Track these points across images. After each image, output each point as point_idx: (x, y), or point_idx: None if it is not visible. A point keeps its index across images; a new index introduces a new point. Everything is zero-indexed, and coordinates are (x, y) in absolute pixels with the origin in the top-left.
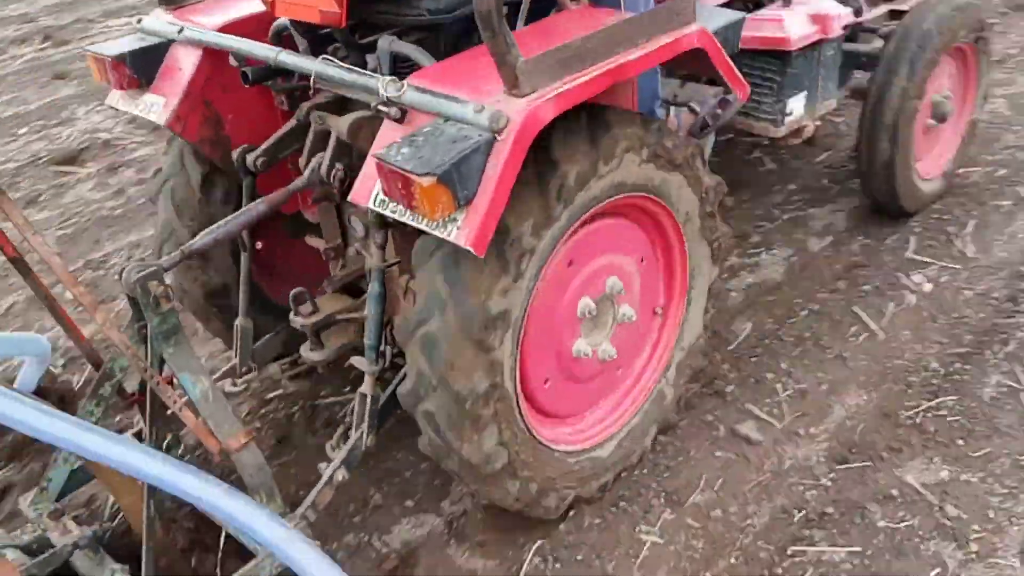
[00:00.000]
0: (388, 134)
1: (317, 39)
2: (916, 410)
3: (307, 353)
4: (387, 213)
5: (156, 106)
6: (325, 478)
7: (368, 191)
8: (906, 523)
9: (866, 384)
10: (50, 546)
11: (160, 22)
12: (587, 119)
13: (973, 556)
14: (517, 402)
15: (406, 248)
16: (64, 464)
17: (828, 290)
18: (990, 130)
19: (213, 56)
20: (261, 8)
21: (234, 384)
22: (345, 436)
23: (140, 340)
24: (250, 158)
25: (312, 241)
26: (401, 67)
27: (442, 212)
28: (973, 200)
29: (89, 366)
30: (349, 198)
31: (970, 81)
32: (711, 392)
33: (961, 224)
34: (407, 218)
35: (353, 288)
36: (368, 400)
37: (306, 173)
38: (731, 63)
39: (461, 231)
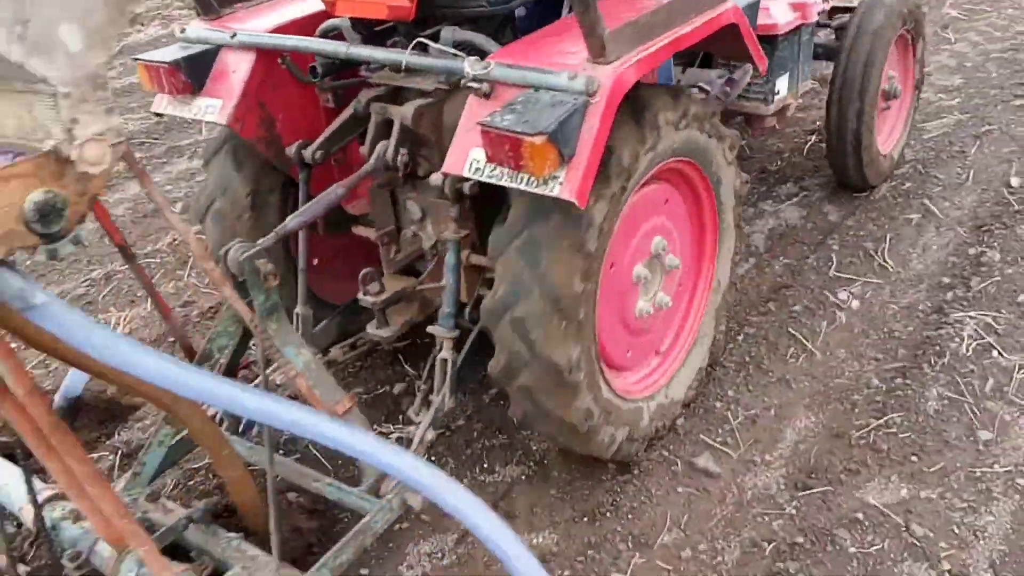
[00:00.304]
0: (475, 110)
1: (373, 35)
2: (866, 429)
3: (374, 331)
4: (483, 179)
5: (212, 108)
6: (417, 439)
7: (461, 161)
8: (876, 547)
9: (812, 406)
10: (156, 526)
11: (205, 30)
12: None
13: (946, 575)
14: (597, 354)
15: (469, 222)
16: (159, 447)
17: (759, 313)
18: None
19: (265, 58)
20: (302, 13)
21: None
22: (426, 401)
23: (238, 320)
24: (307, 152)
25: (360, 231)
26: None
27: (549, 169)
28: (884, 215)
29: None
30: (442, 169)
31: (909, 65)
32: None
33: (877, 239)
34: (506, 180)
35: (409, 269)
36: (448, 364)
37: (372, 160)
38: (755, 38)
39: (564, 186)
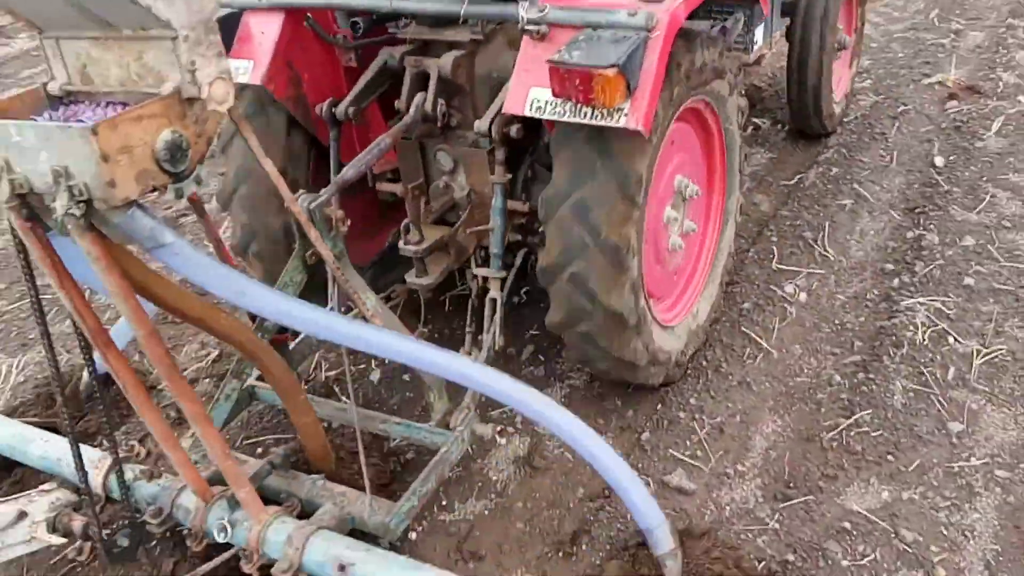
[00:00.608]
0: (531, 52)
1: None
2: (836, 430)
3: (413, 279)
4: (544, 117)
5: (244, 70)
6: None
7: (521, 101)
8: (869, 558)
9: (777, 408)
10: None
11: None
12: None
13: None
14: (645, 291)
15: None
16: (225, 401)
17: None
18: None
19: (291, 18)
20: None
21: None
22: (476, 342)
23: (305, 269)
24: (339, 109)
25: (385, 187)
26: None
27: (619, 100)
28: (817, 203)
29: None
30: (503, 110)
31: (852, 18)
32: (631, 443)
33: (814, 228)
34: (568, 116)
35: (439, 219)
36: (498, 304)
37: (411, 111)
38: None
39: (630, 116)
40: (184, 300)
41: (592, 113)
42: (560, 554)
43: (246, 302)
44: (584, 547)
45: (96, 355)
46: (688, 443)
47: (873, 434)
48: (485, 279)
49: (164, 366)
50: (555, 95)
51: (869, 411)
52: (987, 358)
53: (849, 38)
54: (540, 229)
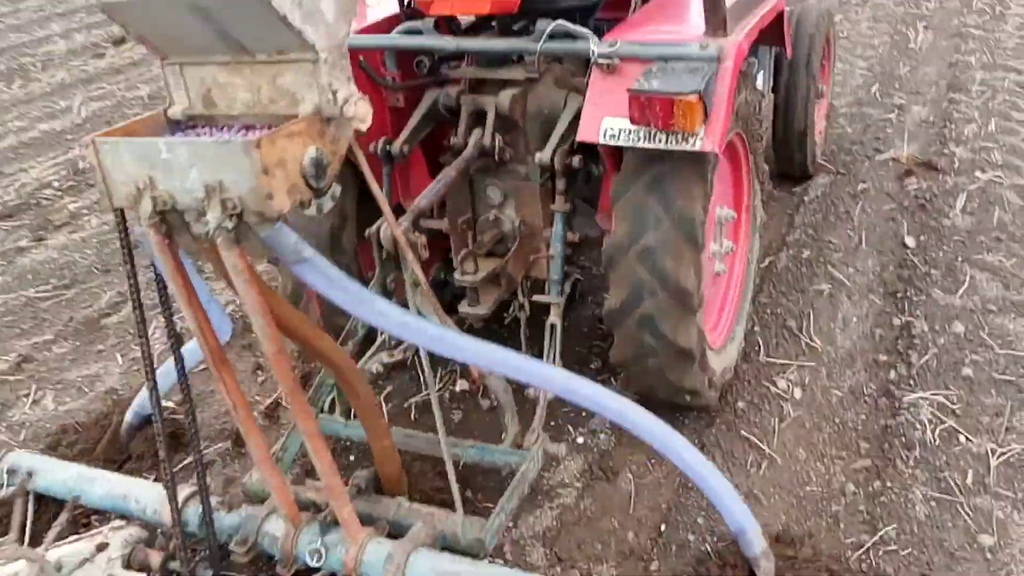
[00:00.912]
0: (600, 84)
1: (458, 33)
2: (862, 549)
3: (467, 309)
4: (618, 144)
5: None
6: (542, 400)
7: (595, 130)
8: None
9: (792, 525)
10: (307, 505)
11: None
12: None
13: None
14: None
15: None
16: (299, 433)
17: (705, 415)
18: (782, 211)
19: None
20: (372, 19)
21: (391, 355)
22: None
23: (385, 295)
24: (394, 147)
25: (431, 223)
26: None
27: (698, 125)
28: (793, 288)
29: None
30: (577, 138)
31: (827, 66)
32: (636, 574)
33: (796, 316)
34: (642, 143)
35: (488, 252)
36: (557, 330)
37: (470, 146)
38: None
39: (705, 141)
40: (293, 319)
41: (667, 139)
42: None
43: (378, 319)
44: None
45: (140, 394)
46: (701, 572)
47: (902, 553)
48: (533, 306)
49: (288, 383)
50: (634, 122)
51: (893, 526)
52: (1003, 458)
53: (824, 87)
54: (595, 269)
